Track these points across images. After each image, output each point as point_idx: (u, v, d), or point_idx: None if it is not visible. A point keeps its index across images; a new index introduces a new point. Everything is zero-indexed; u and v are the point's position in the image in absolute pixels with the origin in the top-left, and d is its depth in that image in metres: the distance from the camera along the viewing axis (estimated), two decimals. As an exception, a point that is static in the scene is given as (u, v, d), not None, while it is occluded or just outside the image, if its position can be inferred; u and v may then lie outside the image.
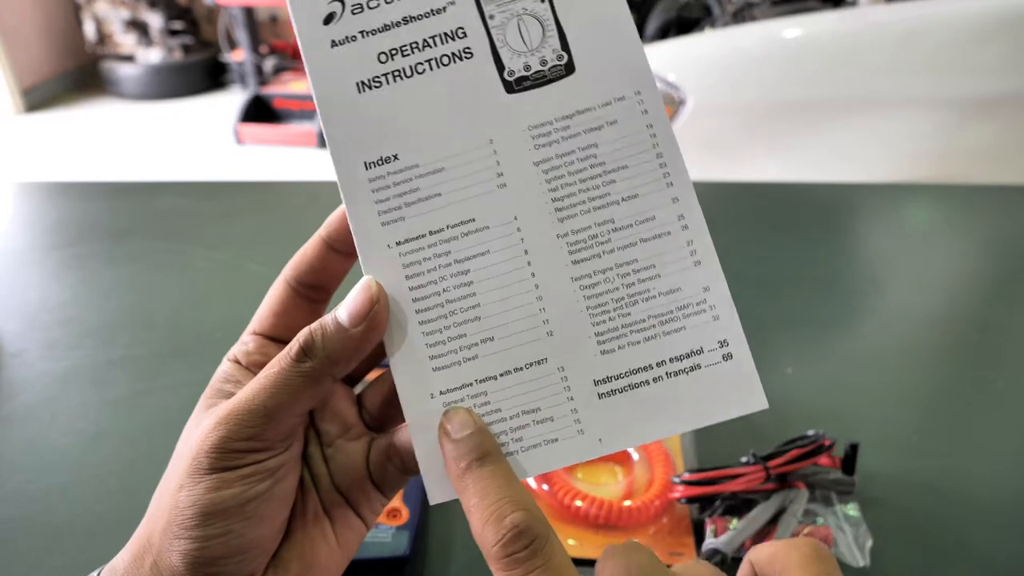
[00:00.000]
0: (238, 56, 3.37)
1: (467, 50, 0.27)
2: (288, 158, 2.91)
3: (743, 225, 0.80)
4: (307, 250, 0.27)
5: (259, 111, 3.12)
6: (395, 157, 0.26)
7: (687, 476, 0.41)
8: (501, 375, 0.25)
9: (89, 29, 3.60)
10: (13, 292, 0.68)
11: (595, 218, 0.26)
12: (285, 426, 0.23)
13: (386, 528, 0.39)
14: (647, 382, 0.25)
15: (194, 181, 0.96)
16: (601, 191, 0.26)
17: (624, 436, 0.25)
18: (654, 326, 0.25)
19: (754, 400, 0.25)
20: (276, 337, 0.27)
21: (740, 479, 0.41)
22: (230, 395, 0.25)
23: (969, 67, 1.28)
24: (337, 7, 0.27)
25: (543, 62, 0.26)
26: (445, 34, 0.27)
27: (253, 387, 0.23)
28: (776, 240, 0.76)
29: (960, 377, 0.56)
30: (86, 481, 0.47)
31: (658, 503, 0.41)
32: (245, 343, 0.27)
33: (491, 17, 0.27)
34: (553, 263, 0.26)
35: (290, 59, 3.48)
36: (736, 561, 0.38)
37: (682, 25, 2.08)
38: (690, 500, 0.41)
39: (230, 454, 0.22)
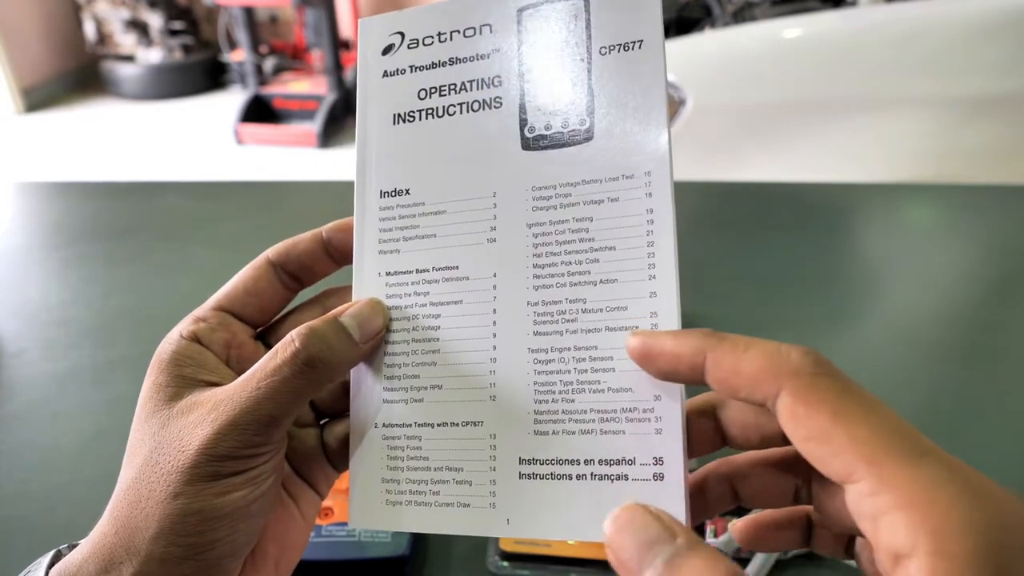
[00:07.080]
0: (238, 56, 3.37)
1: (498, 99, 0.26)
2: (288, 158, 2.91)
3: (743, 225, 0.80)
4: (302, 242, 0.27)
5: (259, 111, 3.12)
6: (407, 191, 0.27)
7: (687, 476, 0.41)
8: (438, 425, 0.25)
9: (89, 29, 3.60)
10: (13, 292, 0.68)
11: (569, 294, 0.24)
12: (285, 428, 0.23)
13: (386, 528, 0.39)
14: (570, 476, 0.24)
15: (194, 181, 0.96)
16: (583, 268, 0.24)
17: (531, 525, 0.24)
18: (594, 421, 0.24)
19: None
20: (243, 316, 0.27)
21: (740, 479, 0.40)
22: (194, 381, 0.24)
23: (969, 67, 1.27)
24: (396, 39, 0.28)
25: (565, 124, 0.25)
26: (483, 80, 0.27)
27: (255, 395, 0.22)
28: (776, 240, 0.76)
29: (960, 377, 0.56)
30: (86, 481, 0.47)
31: (658, 503, 0.41)
32: (206, 319, 0.26)
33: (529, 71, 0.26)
34: (516, 330, 0.25)
35: (290, 59, 3.48)
36: (736, 561, 0.38)
37: (682, 25, 2.08)
38: (690, 500, 0.41)
39: (236, 460, 0.22)
